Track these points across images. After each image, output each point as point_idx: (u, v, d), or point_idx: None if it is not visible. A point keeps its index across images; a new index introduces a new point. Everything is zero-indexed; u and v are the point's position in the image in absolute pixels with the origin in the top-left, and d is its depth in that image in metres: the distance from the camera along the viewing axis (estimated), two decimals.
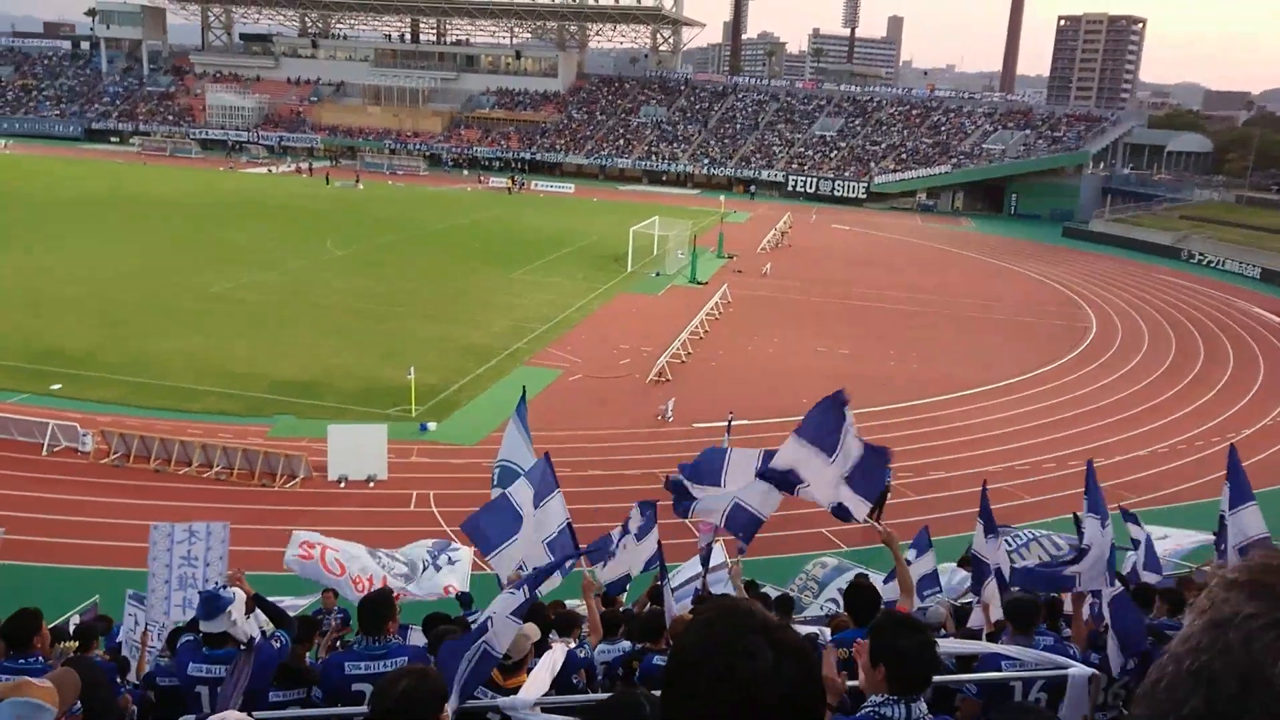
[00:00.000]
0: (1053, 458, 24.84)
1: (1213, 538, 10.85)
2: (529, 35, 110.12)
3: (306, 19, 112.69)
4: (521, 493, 7.39)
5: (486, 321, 35.35)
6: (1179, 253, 62.76)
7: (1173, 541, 13.50)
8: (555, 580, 6.45)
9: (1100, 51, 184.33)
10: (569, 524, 7.77)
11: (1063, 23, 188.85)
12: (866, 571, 13.88)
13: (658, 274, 46.21)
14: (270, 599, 7.02)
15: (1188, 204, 77.03)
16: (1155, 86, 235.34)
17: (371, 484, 20.82)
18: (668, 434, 24.93)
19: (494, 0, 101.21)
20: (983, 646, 6.28)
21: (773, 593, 12.79)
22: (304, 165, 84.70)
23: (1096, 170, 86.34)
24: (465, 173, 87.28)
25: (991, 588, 8.34)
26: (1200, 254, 61.65)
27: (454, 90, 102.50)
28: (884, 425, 26.63)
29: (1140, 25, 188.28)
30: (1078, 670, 5.78)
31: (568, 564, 6.65)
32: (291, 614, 7.58)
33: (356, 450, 21.09)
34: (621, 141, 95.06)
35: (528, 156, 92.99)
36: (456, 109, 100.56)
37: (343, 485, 20.72)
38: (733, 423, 20.57)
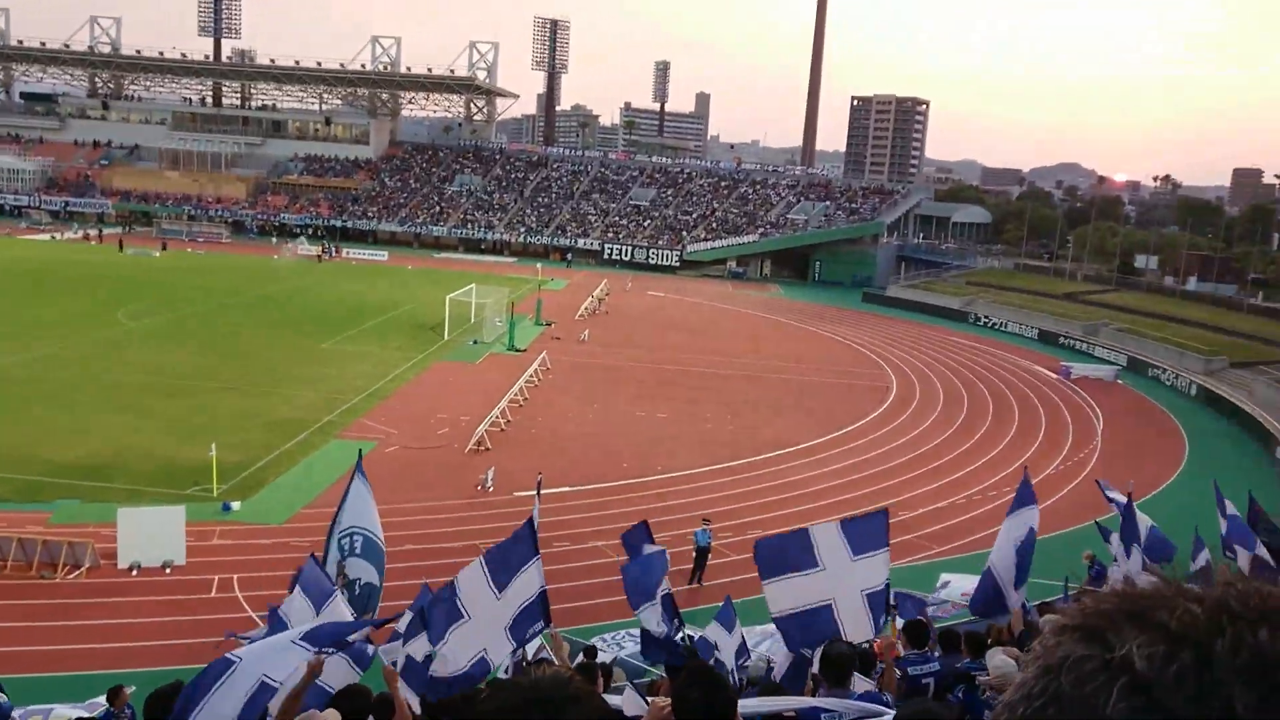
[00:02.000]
0: (862, 512, 25.82)
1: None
2: (339, 102, 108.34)
3: (97, 79, 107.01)
4: (472, 583, 6.91)
5: (295, 394, 33.92)
6: (967, 316, 67.37)
7: (963, 587, 14.19)
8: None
9: (890, 130, 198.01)
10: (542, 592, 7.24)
11: (856, 102, 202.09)
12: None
13: (475, 342, 45.77)
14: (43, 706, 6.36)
15: (972, 270, 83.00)
16: (939, 162, 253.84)
17: (168, 570, 19.38)
18: (488, 504, 24.47)
19: (301, 66, 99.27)
20: (799, 701, 6.35)
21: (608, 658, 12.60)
22: (92, 232, 79.67)
23: (891, 239, 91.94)
24: (274, 240, 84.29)
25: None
26: (985, 317, 66.40)
27: (259, 156, 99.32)
28: (703, 486, 27.09)
29: (924, 106, 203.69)
30: (889, 717, 5.92)
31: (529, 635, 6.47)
32: None
33: (150, 534, 19.60)
34: (436, 209, 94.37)
35: (339, 224, 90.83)
36: (262, 174, 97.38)
37: (135, 573, 19.18)
38: (541, 488, 20.39)
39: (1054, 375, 48.45)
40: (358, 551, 8.24)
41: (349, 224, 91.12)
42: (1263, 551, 12.27)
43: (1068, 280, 76.03)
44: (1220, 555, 12.68)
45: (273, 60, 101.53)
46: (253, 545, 21.08)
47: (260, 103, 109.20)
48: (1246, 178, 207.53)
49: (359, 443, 28.65)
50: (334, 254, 78.63)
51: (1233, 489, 14.64)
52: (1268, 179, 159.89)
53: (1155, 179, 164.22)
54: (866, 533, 7.55)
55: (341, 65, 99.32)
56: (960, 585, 14.81)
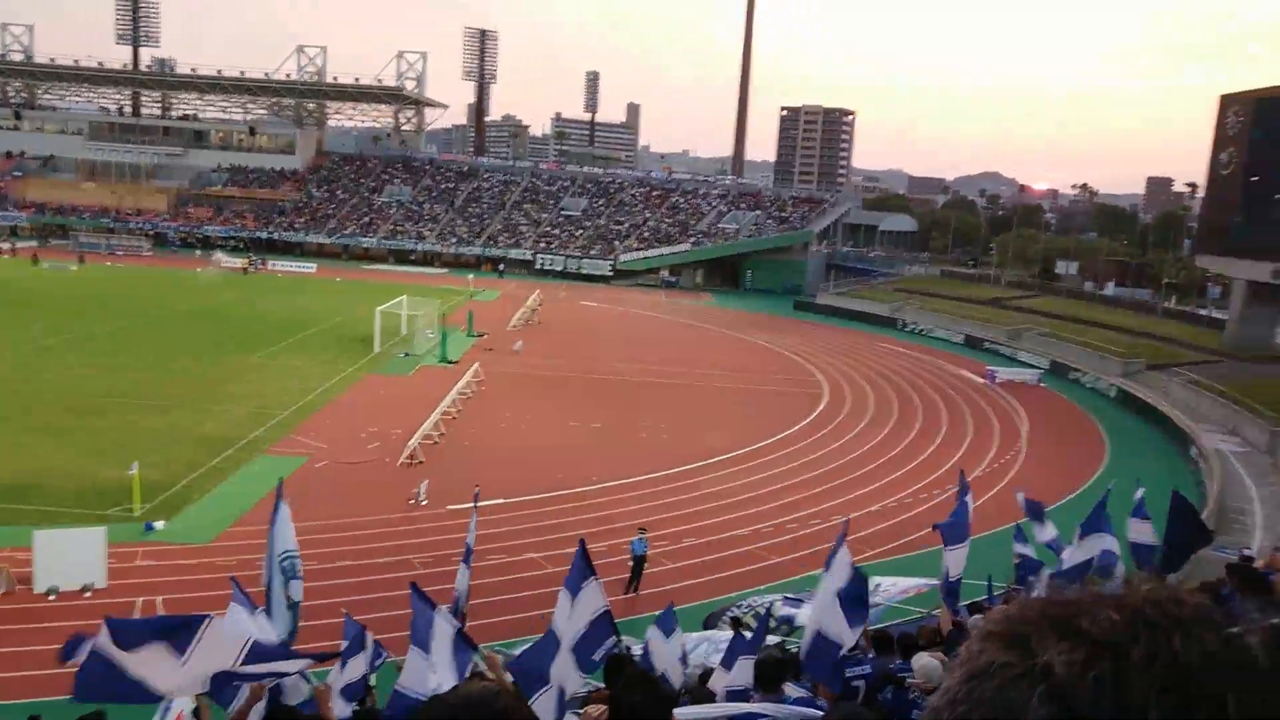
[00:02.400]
0: (795, 518, 26.08)
1: (936, 582, 11.70)
2: (264, 111, 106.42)
3: (9, 88, 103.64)
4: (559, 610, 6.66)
5: (222, 410, 33.15)
6: (895, 322, 68.54)
7: (897, 586, 14.39)
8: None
9: (818, 140, 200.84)
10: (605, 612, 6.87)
11: (784, 113, 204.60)
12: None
13: (406, 354, 45.23)
14: None
15: (900, 278, 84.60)
16: (866, 172, 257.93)
17: (88, 594, 18.76)
18: (421, 518, 24.18)
19: (224, 76, 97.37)
20: (736, 708, 6.37)
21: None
22: (5, 245, 77.04)
23: (821, 248, 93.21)
24: (198, 253, 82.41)
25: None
26: (913, 323, 67.61)
27: (181, 166, 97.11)
28: (639, 495, 27.10)
29: (851, 117, 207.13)
30: None
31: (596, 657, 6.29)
32: None
33: (69, 557, 18.94)
34: (365, 220, 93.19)
35: (265, 236, 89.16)
36: (184, 186, 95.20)
37: (53, 598, 18.54)
38: (479, 500, 20.20)
39: (980, 379, 49.51)
40: (298, 574, 8.13)
41: (275, 236, 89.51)
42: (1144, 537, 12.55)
43: (992, 286, 77.86)
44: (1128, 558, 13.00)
45: (194, 69, 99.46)
46: (178, 565, 20.53)
47: (181, 112, 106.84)
48: (1159, 186, 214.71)
49: (288, 458, 28.18)
50: (260, 266, 77.12)
51: (1152, 486, 15.08)
52: (1178, 187, 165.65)
53: (1073, 187, 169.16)
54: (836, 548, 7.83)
55: (266, 75, 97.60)
56: (895, 587, 14.99)
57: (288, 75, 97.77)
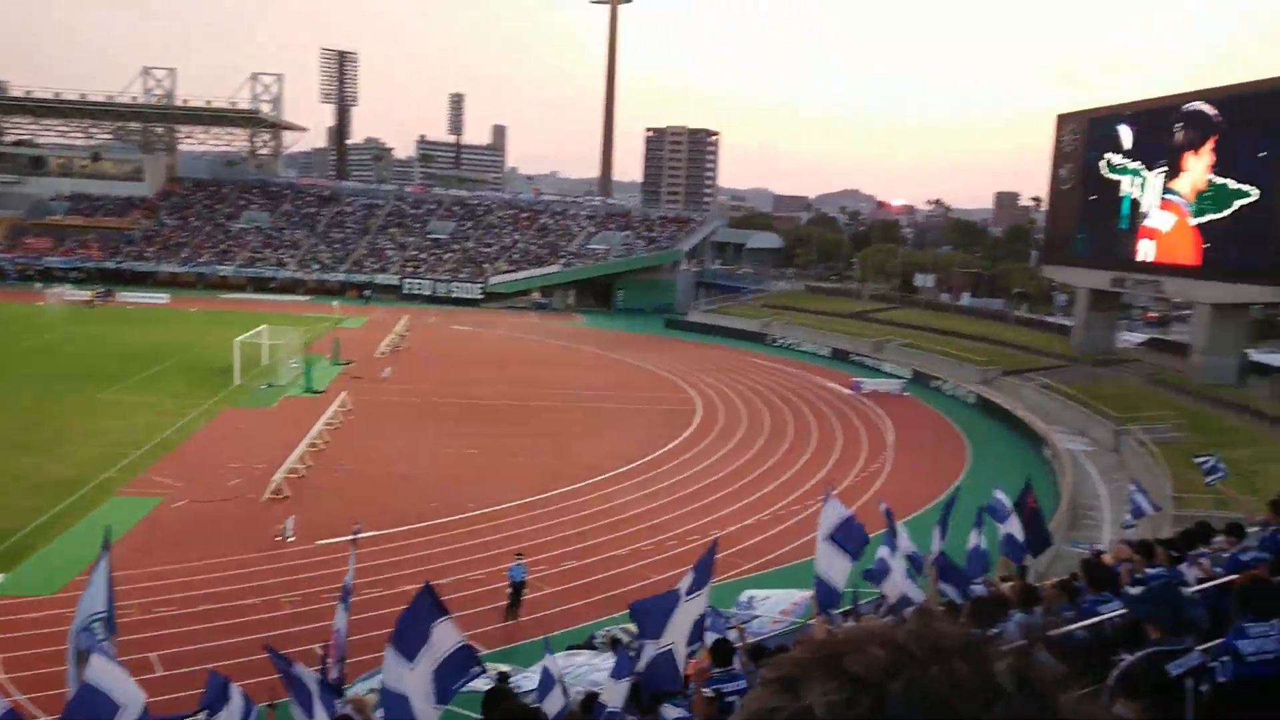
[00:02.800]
0: (674, 535, 26.15)
1: (809, 594, 11.83)
2: (108, 136, 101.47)
3: None
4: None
5: (69, 451, 31.21)
6: (764, 337, 69.87)
7: (776, 603, 14.47)
8: None
9: (684, 160, 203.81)
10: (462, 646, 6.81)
11: (650, 134, 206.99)
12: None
13: (269, 385, 43.60)
14: None
15: (768, 294, 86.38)
16: (732, 191, 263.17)
17: None
18: (289, 555, 23.22)
19: (63, 99, 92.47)
20: None
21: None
22: None
23: (690, 266, 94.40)
24: (37, 286, 77.65)
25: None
26: (781, 338, 69.05)
27: (17, 195, 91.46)
28: (516, 521, 26.70)
29: (715, 137, 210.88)
30: None
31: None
32: None
33: None
34: (222, 248, 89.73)
35: (113, 266, 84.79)
36: (21, 215, 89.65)
37: None
38: (359, 535, 19.56)
39: (847, 391, 50.86)
40: (100, 643, 7.08)
41: (124, 266, 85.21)
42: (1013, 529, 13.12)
43: (855, 300, 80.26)
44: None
45: (28, 92, 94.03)
46: (19, 620, 19.13)
47: (16, 138, 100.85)
48: (1007, 200, 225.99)
49: (142, 499, 26.72)
50: (108, 298, 73.24)
51: (1012, 486, 15.65)
52: (1024, 201, 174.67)
53: (928, 203, 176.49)
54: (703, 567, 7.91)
55: (109, 97, 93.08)
56: (773, 601, 15.11)
57: (133, 98, 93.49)
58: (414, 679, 6.63)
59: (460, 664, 6.69)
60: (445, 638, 6.67)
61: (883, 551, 11.96)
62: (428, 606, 6.83)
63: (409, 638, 6.81)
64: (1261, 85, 42.67)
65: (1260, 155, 42.25)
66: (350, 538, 19.34)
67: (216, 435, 34.79)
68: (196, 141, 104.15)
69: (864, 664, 0.94)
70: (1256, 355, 49.51)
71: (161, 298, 75.39)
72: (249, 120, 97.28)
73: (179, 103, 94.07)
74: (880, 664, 0.93)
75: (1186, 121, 46.54)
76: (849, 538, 10.31)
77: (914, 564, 12.37)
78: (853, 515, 10.74)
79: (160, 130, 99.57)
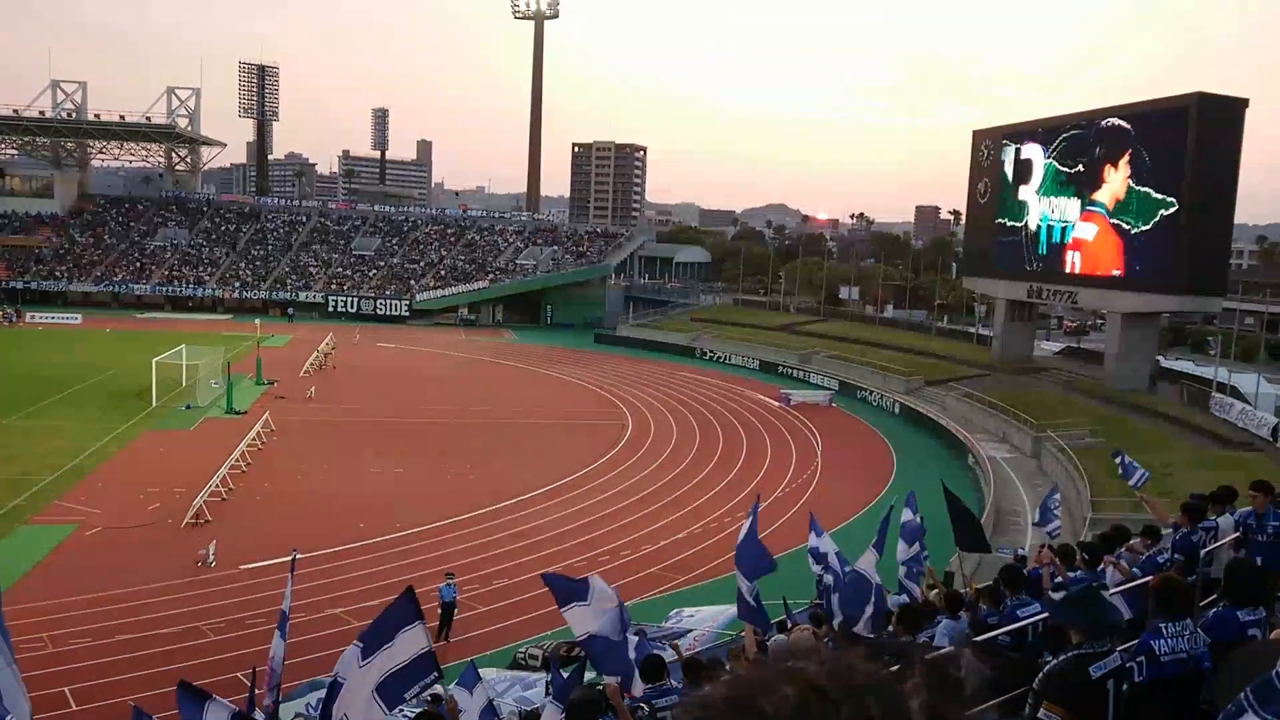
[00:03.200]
0: (606, 550, 26.07)
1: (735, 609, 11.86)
2: (14, 151, 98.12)
3: None
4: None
5: None
6: (693, 351, 70.27)
7: (704, 619, 14.46)
8: None
9: (611, 175, 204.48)
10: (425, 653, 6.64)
11: (577, 149, 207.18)
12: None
13: (188, 407, 42.47)
14: None
15: (696, 308, 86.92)
16: (660, 205, 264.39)
17: None
18: (210, 580, 22.58)
19: None
20: None
21: None
22: None
23: (619, 281, 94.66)
24: None
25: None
26: (710, 351, 69.53)
27: None
28: (445, 540, 26.37)
29: (642, 152, 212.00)
30: None
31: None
32: None
33: None
34: (137, 266, 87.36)
35: (21, 285, 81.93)
36: None
37: None
38: (296, 559, 19.13)
39: (775, 403, 51.35)
40: None
41: (33, 285, 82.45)
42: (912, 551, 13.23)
43: (782, 313, 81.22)
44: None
45: None
46: None
47: None
48: (927, 214, 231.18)
49: (55, 527, 25.78)
50: (16, 319, 70.75)
51: (935, 493, 15.91)
52: (944, 214, 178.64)
53: (851, 216, 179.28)
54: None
55: (15, 111, 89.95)
56: (701, 618, 15.11)
57: (41, 112, 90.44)
58: (361, 675, 6.56)
59: (416, 672, 6.64)
60: (410, 644, 6.60)
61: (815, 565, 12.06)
62: (405, 610, 6.76)
63: (376, 635, 6.73)
64: (1173, 101, 44.37)
65: (1168, 168, 43.89)
66: (288, 558, 18.97)
67: (133, 459, 33.75)
68: (110, 157, 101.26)
69: (777, 705, 0.93)
70: (1166, 362, 51.27)
71: (74, 318, 73.10)
72: (165, 135, 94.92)
73: (91, 117, 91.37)
74: (792, 704, 0.93)
75: (1102, 136, 48.14)
76: (745, 559, 10.07)
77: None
78: (753, 536, 10.40)
79: (71, 145, 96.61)
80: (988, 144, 57.47)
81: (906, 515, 12.77)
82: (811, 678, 0.96)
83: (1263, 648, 3.23)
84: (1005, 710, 5.28)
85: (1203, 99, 43.14)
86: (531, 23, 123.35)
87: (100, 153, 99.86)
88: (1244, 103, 43.85)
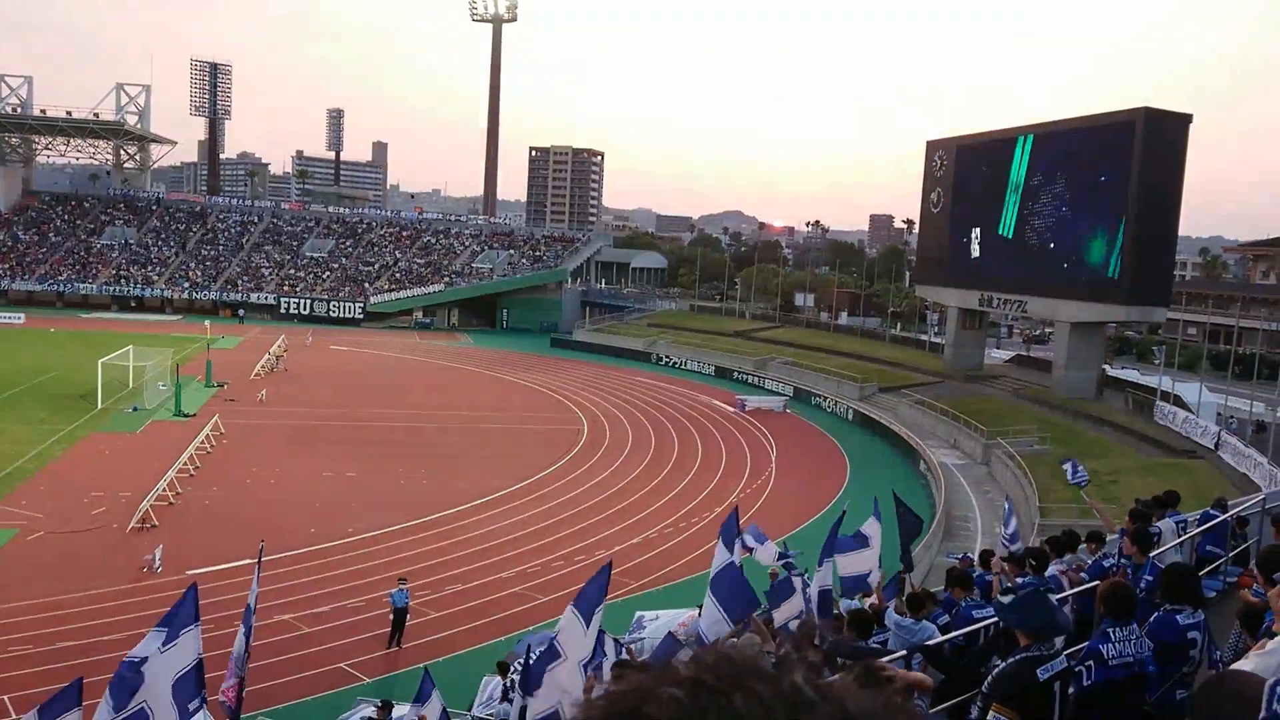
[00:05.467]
0: (561, 556, 26.00)
1: (696, 612, 11.85)
2: None
3: None
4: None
5: None
6: (650, 356, 70.36)
7: (665, 623, 14.43)
8: None
9: (568, 179, 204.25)
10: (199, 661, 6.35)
11: (534, 153, 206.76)
12: None
13: (135, 409, 41.68)
14: None
15: (653, 313, 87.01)
16: (617, 211, 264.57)
17: None
18: (156, 586, 22.13)
19: None
20: None
21: None
22: None
23: (575, 285, 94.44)
24: None
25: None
26: (667, 356, 69.66)
27: None
28: (398, 545, 26.12)
29: (600, 157, 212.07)
30: None
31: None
32: None
33: None
34: (83, 265, 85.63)
35: None
36: None
37: None
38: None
39: (731, 408, 51.57)
40: None
41: None
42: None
43: (738, 319, 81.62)
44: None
45: None
46: None
47: None
48: (881, 223, 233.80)
49: None
50: None
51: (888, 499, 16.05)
52: (898, 223, 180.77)
53: (807, 224, 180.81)
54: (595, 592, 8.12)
55: None
56: (662, 621, 15.06)
57: None
58: (156, 666, 6.35)
59: (192, 689, 6.41)
60: (186, 649, 6.35)
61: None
62: (189, 607, 6.53)
63: (171, 622, 6.54)
64: (1120, 116, 45.31)
65: (1115, 181, 44.81)
66: (239, 563, 18.66)
67: (78, 462, 33.05)
68: (56, 154, 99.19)
69: (666, 709, 0.93)
70: (1113, 371, 52.26)
71: (16, 317, 71.42)
72: (113, 132, 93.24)
73: (36, 112, 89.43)
74: (683, 704, 0.93)
75: (1051, 148, 49.03)
76: (731, 596, 8.58)
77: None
78: (735, 567, 8.85)
79: (15, 141, 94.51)
80: (940, 154, 58.24)
81: (872, 525, 12.70)
82: (694, 674, 0.96)
83: (1245, 682, 3.26)
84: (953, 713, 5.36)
85: (1149, 114, 44.15)
86: (490, 25, 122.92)
87: (46, 149, 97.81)
88: (1188, 118, 44.95)
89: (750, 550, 11.88)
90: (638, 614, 18.05)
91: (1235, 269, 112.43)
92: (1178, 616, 5.30)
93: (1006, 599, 4.96)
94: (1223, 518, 10.29)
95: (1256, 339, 56.68)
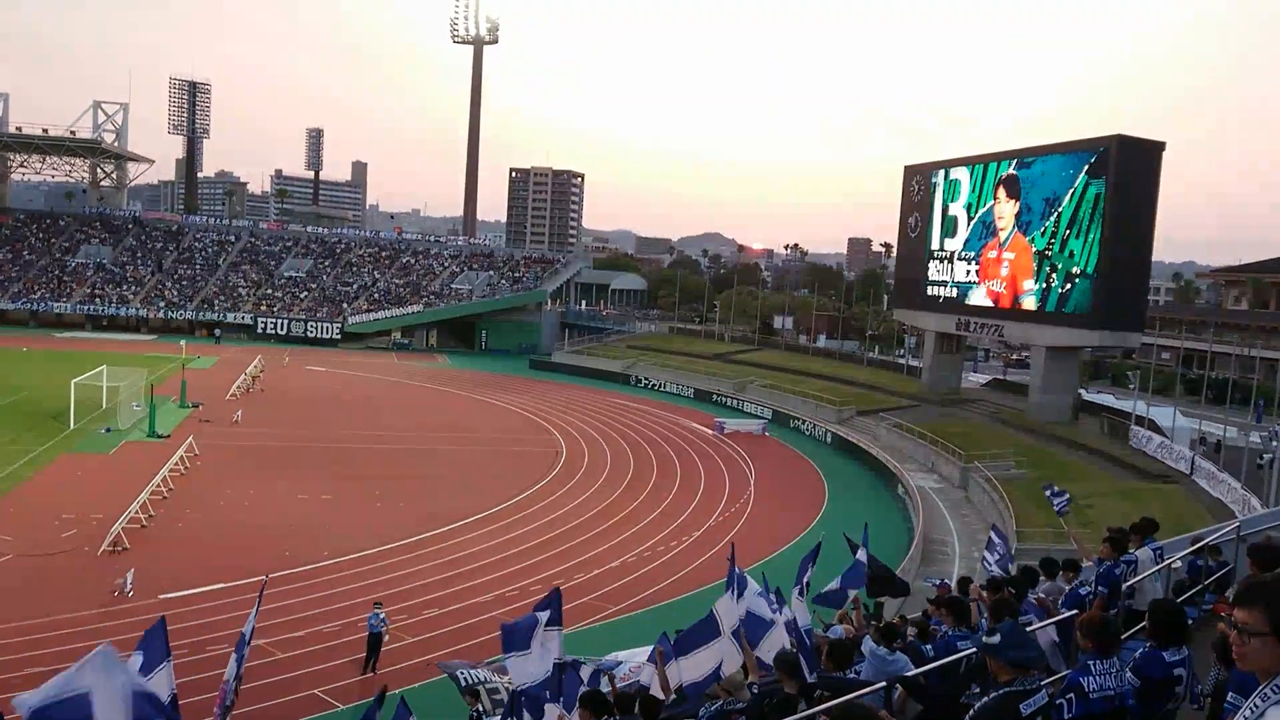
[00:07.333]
0: (539, 580, 25.82)
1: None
2: None
3: None
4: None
5: None
6: (629, 378, 70.32)
7: (635, 660, 14.16)
8: None
9: (548, 201, 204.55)
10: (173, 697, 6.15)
11: (514, 174, 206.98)
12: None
13: (108, 430, 41.21)
14: None
15: (632, 335, 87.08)
16: (596, 232, 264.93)
17: None
18: (127, 610, 21.83)
19: None
20: None
21: None
22: None
23: (554, 307, 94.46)
24: None
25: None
26: (645, 378, 69.65)
27: None
28: (374, 569, 25.89)
29: (580, 179, 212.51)
30: None
31: None
32: None
33: None
34: (57, 284, 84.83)
35: None
36: None
37: None
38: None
39: (709, 431, 51.55)
40: None
41: None
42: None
43: (717, 341, 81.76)
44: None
45: None
46: None
47: None
48: (859, 246, 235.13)
49: None
50: None
51: (864, 523, 16.08)
52: (876, 247, 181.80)
53: (786, 247, 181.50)
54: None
55: None
56: (635, 660, 14.86)
57: None
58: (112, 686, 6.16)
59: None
60: (160, 686, 6.21)
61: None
62: (159, 641, 6.37)
63: (146, 651, 6.36)
64: (1095, 143, 45.87)
65: (1089, 207, 45.30)
66: (212, 587, 18.43)
67: (49, 483, 32.60)
68: (31, 171, 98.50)
69: None
70: (1088, 395, 52.69)
71: None
72: (90, 150, 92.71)
73: (12, 129, 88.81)
74: None
75: (1026, 174, 49.56)
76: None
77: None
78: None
79: None
80: (918, 179, 58.76)
81: (860, 555, 12.88)
82: None
83: None
84: None
85: (1122, 141, 44.75)
86: (471, 47, 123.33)
87: (21, 166, 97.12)
88: (1161, 145, 45.59)
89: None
90: (616, 655, 17.92)
91: (1208, 294, 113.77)
92: (1164, 654, 5.32)
93: (994, 639, 4.96)
94: (1197, 545, 10.36)
95: (1229, 364, 57.31)
